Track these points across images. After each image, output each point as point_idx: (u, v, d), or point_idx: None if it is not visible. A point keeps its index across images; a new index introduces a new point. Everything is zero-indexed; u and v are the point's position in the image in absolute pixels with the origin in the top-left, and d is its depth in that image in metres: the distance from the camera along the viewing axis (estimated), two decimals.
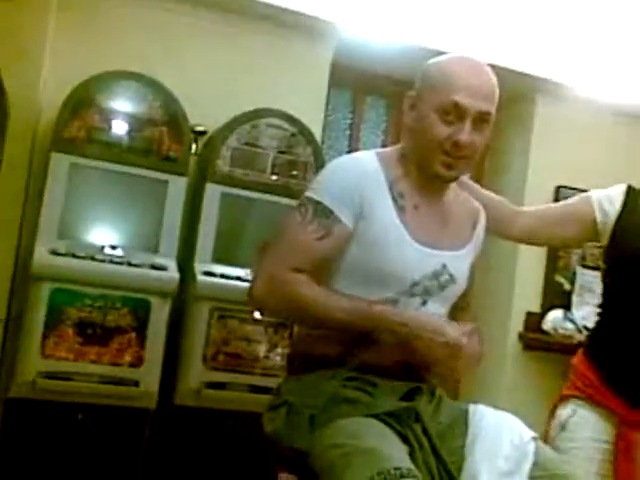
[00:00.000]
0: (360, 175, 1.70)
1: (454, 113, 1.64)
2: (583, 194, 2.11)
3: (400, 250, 1.69)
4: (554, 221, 2.11)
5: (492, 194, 2.10)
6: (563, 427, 2.02)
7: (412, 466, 1.50)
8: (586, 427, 1.98)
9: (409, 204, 1.72)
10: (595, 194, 2.09)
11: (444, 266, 1.75)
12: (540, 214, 2.14)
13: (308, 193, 1.70)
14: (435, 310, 1.75)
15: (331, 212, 1.66)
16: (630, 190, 2.08)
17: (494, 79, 1.71)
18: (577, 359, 2.10)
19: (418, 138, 1.70)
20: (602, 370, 1.99)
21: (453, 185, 1.81)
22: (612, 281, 2.05)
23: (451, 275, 1.76)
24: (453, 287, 1.78)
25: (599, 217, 2.04)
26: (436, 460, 1.64)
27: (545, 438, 2.04)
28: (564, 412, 2.03)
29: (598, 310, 2.09)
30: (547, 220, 2.12)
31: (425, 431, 1.66)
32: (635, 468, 1.94)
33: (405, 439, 1.62)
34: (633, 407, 1.94)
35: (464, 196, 1.88)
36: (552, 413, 2.08)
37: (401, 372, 1.72)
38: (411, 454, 1.58)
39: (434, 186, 1.75)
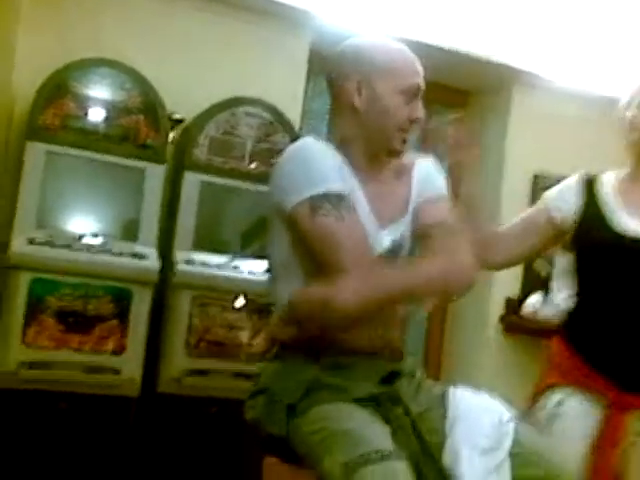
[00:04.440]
0: (329, 150, 1.72)
1: (412, 93, 1.75)
2: (539, 202, 2.13)
3: (368, 227, 1.71)
4: (520, 238, 2.11)
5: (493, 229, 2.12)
6: (551, 419, 1.98)
7: (393, 446, 1.51)
8: (577, 418, 1.94)
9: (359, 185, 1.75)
10: (547, 196, 2.12)
11: (394, 241, 1.76)
12: (506, 236, 2.13)
13: (304, 193, 1.63)
14: None
15: (341, 195, 1.65)
16: (585, 178, 2.11)
17: None
18: (556, 346, 2.07)
19: (376, 119, 1.74)
20: (586, 354, 1.97)
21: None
22: (582, 268, 2.04)
23: (402, 245, 1.78)
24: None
25: (557, 217, 2.06)
26: (417, 441, 1.65)
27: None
28: (551, 402, 1.99)
29: (572, 294, 2.08)
30: (514, 239, 2.12)
31: (407, 412, 1.68)
32: (617, 451, 1.90)
33: (387, 421, 1.63)
34: (623, 389, 1.91)
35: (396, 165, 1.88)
36: (533, 401, 2.05)
37: (380, 354, 1.73)
38: (393, 435, 1.59)
39: (376, 166, 1.79)
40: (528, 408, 2.05)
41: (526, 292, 4.03)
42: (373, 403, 1.65)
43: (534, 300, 3.95)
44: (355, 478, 1.41)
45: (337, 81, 1.79)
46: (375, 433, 1.54)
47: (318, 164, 1.67)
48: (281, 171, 1.72)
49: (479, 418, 1.71)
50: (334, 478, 1.45)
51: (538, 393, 2.05)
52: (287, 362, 1.73)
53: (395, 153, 1.79)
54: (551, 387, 2.02)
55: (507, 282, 4.02)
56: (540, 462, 1.66)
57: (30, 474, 2.68)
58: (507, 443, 1.66)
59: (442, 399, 1.76)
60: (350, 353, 1.70)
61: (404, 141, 1.77)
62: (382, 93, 1.74)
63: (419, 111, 1.76)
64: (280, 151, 3.14)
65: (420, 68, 1.79)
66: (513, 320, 3.93)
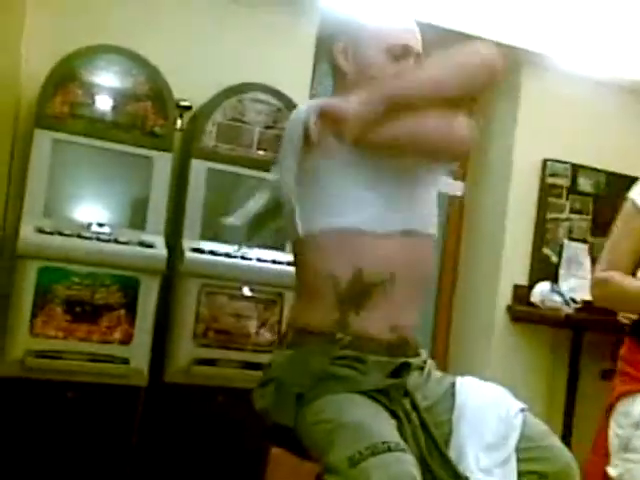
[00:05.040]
0: None
1: (400, 53, 1.74)
2: (626, 207, 2.06)
3: None
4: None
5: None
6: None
7: (400, 440, 1.51)
8: None
9: None
10: (634, 197, 2.06)
11: None
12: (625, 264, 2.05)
13: None
14: None
15: None
16: None
17: None
18: (628, 350, 2.04)
19: (361, 80, 1.73)
20: None
21: None
22: None
23: None
24: None
25: None
26: (424, 434, 1.65)
27: (601, 438, 2.00)
28: (636, 408, 1.95)
29: None
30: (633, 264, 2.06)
31: (414, 406, 1.67)
32: None
33: (393, 414, 1.62)
34: None
35: None
36: (610, 412, 2.01)
37: (391, 347, 1.73)
38: (399, 428, 1.59)
39: None
40: (606, 419, 2.02)
41: (534, 280, 4.01)
42: (381, 395, 1.65)
43: (542, 288, 3.94)
44: (361, 469, 1.42)
45: (328, 45, 1.81)
46: (382, 425, 1.54)
47: None
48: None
49: (486, 411, 1.70)
50: (340, 469, 1.45)
51: (615, 401, 2.01)
52: (299, 351, 1.73)
53: None
54: (631, 393, 1.98)
55: (515, 269, 4.01)
56: (548, 458, 1.66)
57: (37, 463, 2.70)
58: (514, 437, 1.66)
59: (450, 391, 1.75)
60: (363, 344, 1.70)
61: None
62: (366, 52, 1.75)
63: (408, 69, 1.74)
64: None
65: (414, 29, 1.78)
66: (521, 309, 3.92)
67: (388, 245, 1.72)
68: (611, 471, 1.98)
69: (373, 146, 1.66)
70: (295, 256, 1.85)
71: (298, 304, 1.85)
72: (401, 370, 1.72)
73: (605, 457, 2.01)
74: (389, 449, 1.44)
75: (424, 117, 1.66)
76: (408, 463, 1.45)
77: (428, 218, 1.83)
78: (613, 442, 1.99)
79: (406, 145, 1.69)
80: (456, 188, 1.93)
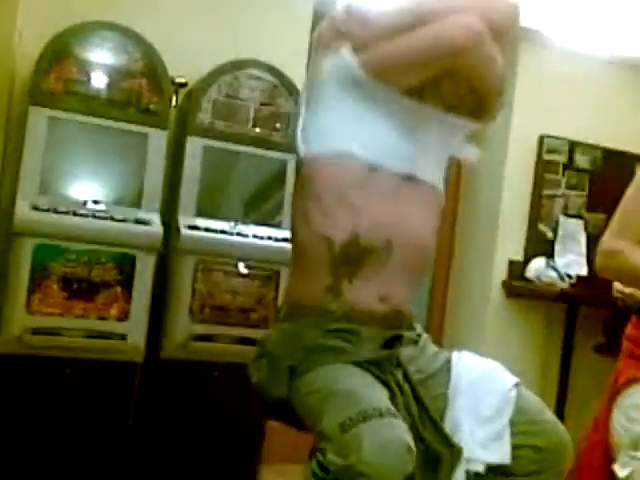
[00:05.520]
0: None
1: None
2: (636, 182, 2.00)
3: None
4: None
5: None
6: None
7: (392, 406, 1.52)
8: None
9: None
10: None
11: None
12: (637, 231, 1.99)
13: None
14: None
15: None
16: None
17: None
18: (636, 330, 1.98)
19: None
20: None
21: None
22: None
23: None
24: None
25: None
26: (417, 406, 1.67)
27: (604, 418, 1.94)
28: None
29: None
30: None
31: (406, 377, 1.69)
32: None
33: (386, 384, 1.64)
34: None
35: None
36: (616, 396, 1.93)
37: (385, 319, 1.74)
38: (392, 399, 1.60)
39: None
40: (610, 402, 1.95)
41: (530, 255, 4.03)
42: (373, 367, 1.66)
43: (537, 264, 3.95)
44: (352, 434, 1.42)
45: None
46: (373, 393, 1.56)
47: None
48: None
49: (481, 386, 1.72)
50: (331, 436, 1.46)
51: (623, 386, 1.93)
52: (293, 325, 1.75)
53: None
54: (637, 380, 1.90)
55: (510, 245, 4.03)
56: (542, 432, 1.68)
57: (35, 439, 2.73)
58: (508, 411, 1.68)
59: (445, 366, 1.77)
60: (355, 316, 1.71)
61: None
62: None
63: None
64: (284, 115, 3.19)
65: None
66: (516, 284, 3.94)
67: (387, 206, 1.70)
68: (619, 470, 1.87)
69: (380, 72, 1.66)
70: (293, 221, 1.85)
71: (292, 278, 1.87)
72: (394, 342, 1.74)
73: (607, 437, 1.93)
74: (380, 414, 1.45)
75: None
76: (400, 428, 1.46)
77: (435, 170, 1.78)
78: (621, 437, 1.89)
79: (405, 56, 1.67)
80: (473, 154, 1.85)
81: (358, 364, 1.64)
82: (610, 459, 1.92)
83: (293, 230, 1.85)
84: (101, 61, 2.95)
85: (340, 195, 1.70)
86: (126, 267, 2.82)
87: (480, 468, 1.65)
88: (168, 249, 2.97)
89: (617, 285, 3.67)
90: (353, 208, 1.69)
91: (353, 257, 1.69)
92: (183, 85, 3.24)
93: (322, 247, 1.71)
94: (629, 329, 2.03)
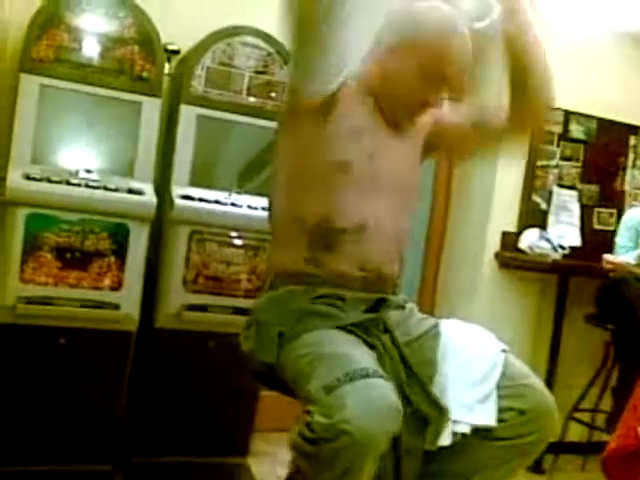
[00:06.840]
0: None
1: None
2: None
3: None
4: None
5: None
6: None
7: (378, 368, 1.54)
8: None
9: None
10: None
11: None
12: None
13: None
14: None
15: None
16: None
17: None
18: None
19: None
20: None
21: None
22: None
23: None
24: None
25: None
26: (405, 369, 1.68)
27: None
28: None
29: None
30: None
31: (393, 341, 1.71)
32: None
33: (373, 348, 1.66)
34: None
35: None
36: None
37: (367, 282, 1.76)
38: (379, 361, 1.62)
39: None
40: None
41: (523, 226, 4.03)
42: (360, 331, 1.68)
43: (530, 235, 3.96)
44: (336, 395, 1.43)
45: None
46: (361, 355, 1.58)
47: None
48: None
49: (469, 351, 1.75)
50: (316, 398, 1.47)
51: None
52: (280, 292, 1.76)
53: None
54: None
55: (504, 216, 4.03)
56: (528, 395, 1.70)
57: (29, 409, 2.73)
58: (495, 375, 1.70)
59: (433, 331, 1.79)
60: (338, 281, 1.73)
61: None
62: None
63: None
64: (279, 83, 3.15)
65: None
66: (509, 255, 3.95)
67: (360, 191, 1.74)
68: None
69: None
70: (272, 190, 1.88)
71: (274, 247, 1.90)
72: (379, 305, 1.76)
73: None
74: (367, 375, 1.47)
75: None
76: (386, 388, 1.47)
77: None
78: None
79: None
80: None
81: (345, 328, 1.67)
82: None
83: (270, 200, 1.88)
84: (93, 28, 2.90)
85: (314, 177, 1.72)
86: (119, 237, 2.80)
87: (466, 429, 1.68)
88: (161, 219, 2.95)
89: (607, 256, 3.70)
90: (326, 188, 1.73)
91: (327, 237, 1.73)
92: (176, 52, 3.20)
93: (297, 225, 1.74)
94: None
